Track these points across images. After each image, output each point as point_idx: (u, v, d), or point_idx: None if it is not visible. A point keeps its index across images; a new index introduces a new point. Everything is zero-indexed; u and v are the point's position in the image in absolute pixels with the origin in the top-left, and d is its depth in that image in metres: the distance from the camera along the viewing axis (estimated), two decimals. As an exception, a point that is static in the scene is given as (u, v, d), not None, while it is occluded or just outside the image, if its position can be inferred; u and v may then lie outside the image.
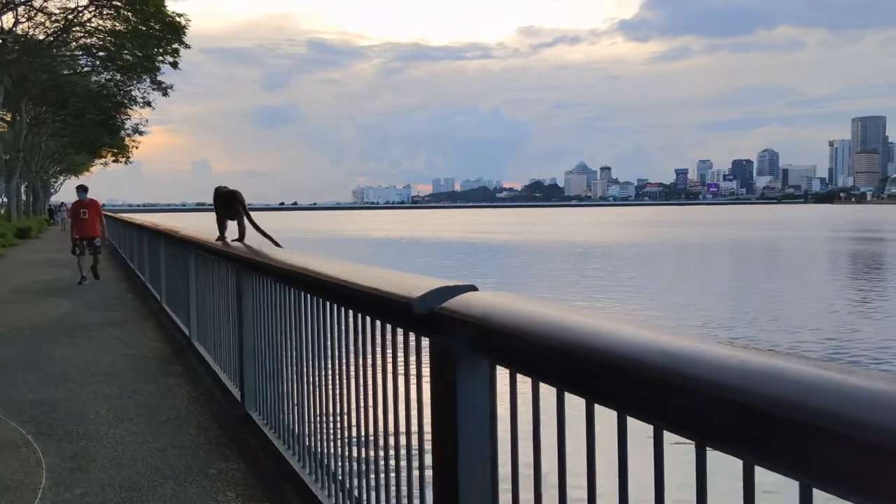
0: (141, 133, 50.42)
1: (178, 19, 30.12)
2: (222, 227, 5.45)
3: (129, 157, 55.26)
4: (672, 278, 29.71)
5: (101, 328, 9.07)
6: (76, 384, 6.25)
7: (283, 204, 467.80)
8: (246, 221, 5.32)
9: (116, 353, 7.54)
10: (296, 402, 3.80)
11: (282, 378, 4.03)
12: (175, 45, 30.70)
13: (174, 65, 31.16)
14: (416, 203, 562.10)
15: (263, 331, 4.40)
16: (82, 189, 15.90)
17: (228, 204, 5.42)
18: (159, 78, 36.73)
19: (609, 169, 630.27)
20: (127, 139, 53.26)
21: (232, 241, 5.25)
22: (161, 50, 30.75)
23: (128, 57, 33.53)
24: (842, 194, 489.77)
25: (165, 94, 38.00)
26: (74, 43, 34.66)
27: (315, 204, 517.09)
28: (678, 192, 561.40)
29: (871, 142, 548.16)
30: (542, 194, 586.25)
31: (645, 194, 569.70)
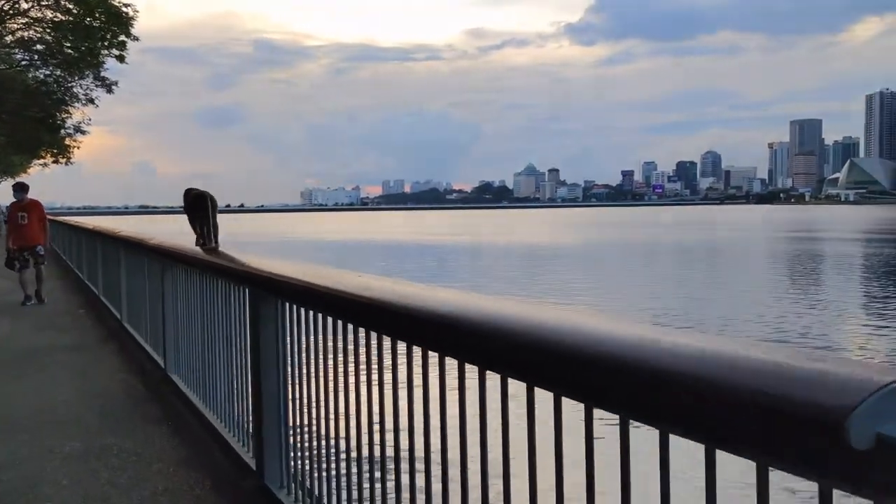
0: (83, 133, 47.86)
1: (124, 10, 28.25)
2: (195, 230, 5.01)
3: (69, 158, 52.54)
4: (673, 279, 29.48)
5: (53, 354, 7.64)
6: (27, 436, 4.90)
7: (229, 206, 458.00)
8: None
9: (74, 389, 6.17)
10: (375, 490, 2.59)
11: (349, 454, 2.81)
12: (121, 38, 28.77)
13: (120, 58, 29.18)
14: (365, 205, 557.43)
15: (303, 380, 3.18)
16: (20, 188, 13.07)
17: (197, 206, 4.96)
18: (103, 74, 34.66)
19: (557, 171, 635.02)
20: (68, 139, 50.63)
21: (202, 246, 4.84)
22: (106, 43, 28.78)
23: (69, 51, 31.44)
24: (782, 195, 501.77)
25: (110, 91, 35.84)
26: (11, 36, 32.43)
27: (263, 206, 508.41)
28: (624, 194, 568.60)
29: (809, 144, 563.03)
30: (491, 196, 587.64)
31: (592, 196, 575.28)
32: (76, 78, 36.62)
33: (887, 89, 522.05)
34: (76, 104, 40.37)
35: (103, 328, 9.04)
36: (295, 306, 3.21)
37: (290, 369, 3.37)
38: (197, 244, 4.88)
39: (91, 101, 38.14)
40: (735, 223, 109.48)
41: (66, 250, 18.88)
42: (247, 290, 3.65)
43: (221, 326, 4.28)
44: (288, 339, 3.36)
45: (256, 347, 3.54)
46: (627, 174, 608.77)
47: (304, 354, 3.18)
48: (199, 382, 4.94)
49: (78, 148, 52.29)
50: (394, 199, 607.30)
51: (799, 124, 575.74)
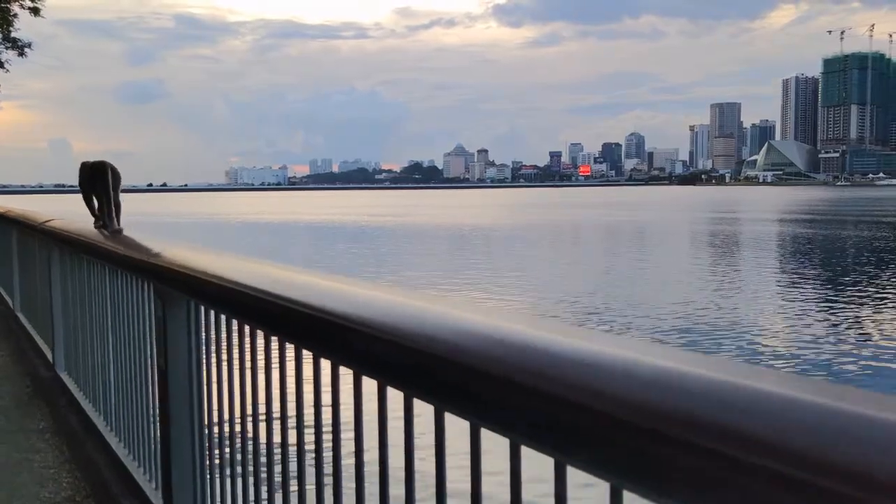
0: (-10, 102, 42.89)
1: (38, -46, 24.14)
2: (91, 208, 4.39)
3: (-25, 131, 47.47)
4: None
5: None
6: None
7: (151, 185, 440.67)
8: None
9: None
10: None
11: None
12: (36, -11, 24.63)
13: (35, 11, 25.09)
14: (293, 185, 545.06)
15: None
16: None
17: (94, 178, 4.31)
18: (14, 34, 30.29)
19: (486, 151, 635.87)
20: (-28, 110, 45.64)
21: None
22: (17, -7, 24.59)
23: (-27, 1, 27.09)
24: (703, 176, 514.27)
25: (22, 54, 31.36)
26: None
27: (186, 185, 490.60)
28: (552, 175, 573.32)
29: (728, 127, 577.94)
30: (421, 176, 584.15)
31: (521, 176, 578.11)
32: (-19, 39, 32.11)
33: (802, 74, 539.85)
34: (-19, 69, 35.66)
35: (21, 377, 5.75)
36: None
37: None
38: (96, 225, 4.23)
39: (0, 64, 33.58)
40: (663, 203, 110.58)
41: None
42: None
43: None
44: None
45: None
46: (555, 155, 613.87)
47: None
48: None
49: (-16, 120, 47.21)
50: (322, 179, 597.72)
51: (719, 107, 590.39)
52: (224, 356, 2.36)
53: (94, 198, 4.33)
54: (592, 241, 43.88)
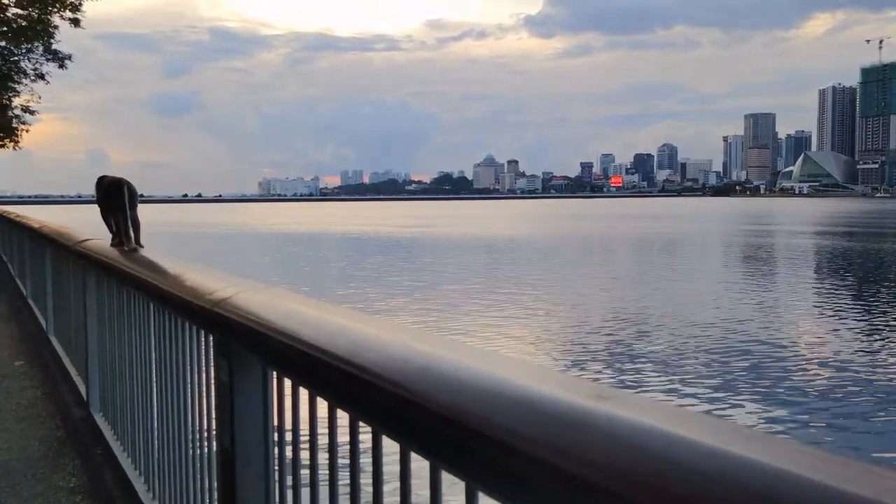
0: (31, 113, 43.33)
1: (79, -34, 24.09)
2: (110, 227, 4.25)
3: (17, 142, 47.92)
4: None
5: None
6: None
7: (186, 196, 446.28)
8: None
9: None
10: None
11: None
12: (77, -1, 24.54)
13: (75, 22, 25.01)
14: (324, 196, 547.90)
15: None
16: None
17: (111, 197, 4.18)
18: (54, 46, 30.39)
19: (516, 162, 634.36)
20: (15, 122, 46.02)
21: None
22: (58, 4, 24.51)
23: (17, 11, 27.15)
24: (738, 187, 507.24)
25: (62, 66, 31.52)
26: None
27: (220, 196, 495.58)
28: (583, 186, 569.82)
29: (762, 137, 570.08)
30: (451, 187, 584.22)
31: (552, 187, 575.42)
32: (23, 51, 32.33)
33: (839, 84, 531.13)
34: (24, 80, 35.97)
35: (52, 420, 5.15)
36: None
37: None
38: (112, 243, 4.16)
39: (41, 76, 33.81)
40: (699, 215, 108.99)
41: (4, 248, 14.88)
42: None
43: None
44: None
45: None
46: (586, 166, 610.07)
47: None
48: None
49: (27, 132, 47.64)
50: (353, 190, 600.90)
51: (753, 118, 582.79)
52: (321, 452, 1.71)
53: (110, 216, 4.29)
54: (631, 254, 42.91)
